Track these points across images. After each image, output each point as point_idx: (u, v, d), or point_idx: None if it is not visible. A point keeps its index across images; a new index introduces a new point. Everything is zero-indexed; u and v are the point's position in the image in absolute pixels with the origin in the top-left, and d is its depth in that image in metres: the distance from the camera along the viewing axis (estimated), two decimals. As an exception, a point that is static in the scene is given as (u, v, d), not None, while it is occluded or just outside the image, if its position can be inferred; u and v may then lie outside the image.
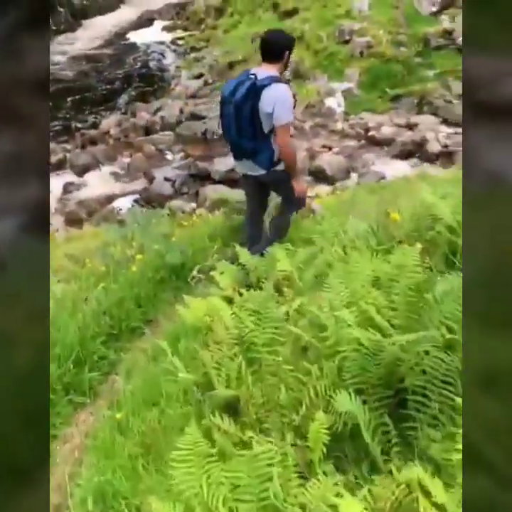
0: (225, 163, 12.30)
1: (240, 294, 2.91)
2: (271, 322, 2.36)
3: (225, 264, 3.67)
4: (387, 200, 3.69)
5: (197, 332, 2.92)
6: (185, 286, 4.49)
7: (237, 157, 3.87)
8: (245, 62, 17.16)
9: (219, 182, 11.86)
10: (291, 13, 18.03)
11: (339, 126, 13.88)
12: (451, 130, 13.77)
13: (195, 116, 14.53)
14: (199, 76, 17.23)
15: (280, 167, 3.76)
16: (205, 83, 16.79)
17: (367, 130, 13.72)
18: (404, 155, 12.84)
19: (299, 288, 2.92)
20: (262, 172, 3.78)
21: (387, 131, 13.59)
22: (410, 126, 13.89)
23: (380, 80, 15.17)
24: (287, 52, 3.68)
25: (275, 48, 3.63)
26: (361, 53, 15.66)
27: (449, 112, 14.18)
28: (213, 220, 6.67)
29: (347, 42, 16.05)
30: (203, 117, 14.40)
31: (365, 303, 2.12)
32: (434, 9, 16.22)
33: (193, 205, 11.45)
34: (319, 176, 11.95)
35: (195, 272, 4.45)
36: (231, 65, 17.31)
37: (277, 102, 3.47)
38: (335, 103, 14.56)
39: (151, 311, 4.22)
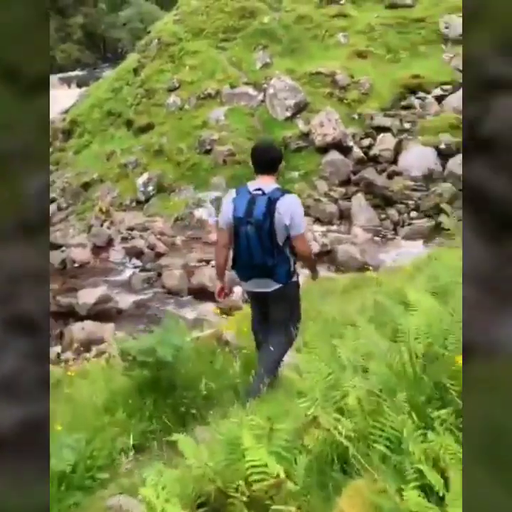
0: (91, 294, 10.70)
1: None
2: None
3: (157, 469, 1.98)
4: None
5: None
6: (86, 499, 2.87)
7: (250, 277, 3.81)
8: (102, 181, 16.06)
9: (86, 317, 10.17)
10: (145, 128, 17.43)
11: (213, 237, 12.95)
12: (324, 228, 13.53)
13: (50, 246, 12.87)
14: (51, 201, 15.73)
15: (294, 279, 3.84)
16: (59, 208, 15.31)
17: (243, 238, 12.93)
18: (287, 260, 12.11)
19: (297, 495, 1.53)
20: (277, 286, 3.75)
21: (264, 236, 12.89)
22: (286, 229, 13.35)
23: (248, 186, 14.69)
24: (280, 163, 3.94)
25: (272, 161, 3.82)
26: (224, 161, 15.21)
27: (320, 211, 13.97)
28: (95, 372, 5.08)
29: (208, 151, 15.59)
30: (61, 246, 12.79)
31: None
32: (288, 114, 16.42)
33: (57, 348, 9.63)
34: (202, 294, 10.72)
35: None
36: (86, 186, 16.07)
37: (294, 212, 3.63)
38: (205, 213, 13.72)
39: None
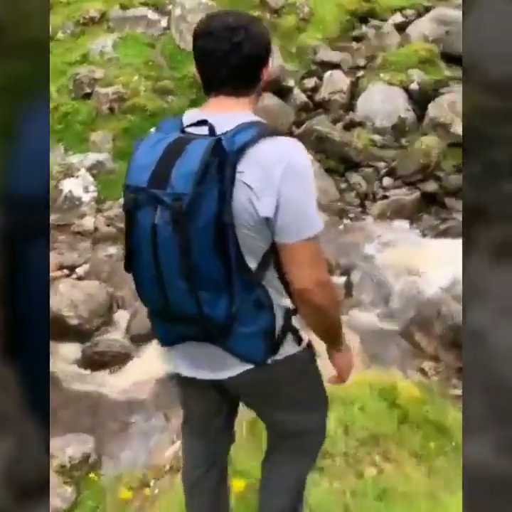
0: None
1: None
2: None
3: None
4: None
5: None
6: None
7: (177, 339, 1.60)
8: None
9: None
10: (0, 64, 12.39)
11: (89, 223, 8.38)
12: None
13: None
14: None
15: (289, 351, 1.58)
16: None
17: (137, 223, 8.41)
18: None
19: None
20: (247, 367, 1.55)
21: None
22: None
23: (146, 145, 10.10)
24: (266, 66, 1.60)
25: (240, 61, 1.55)
26: (111, 109, 10.51)
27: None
28: None
29: (88, 95, 10.81)
30: None
31: None
32: (202, 44, 11.85)
33: None
34: (60, 331, 6.18)
35: None
36: None
37: (287, 184, 1.44)
38: (78, 187, 9.07)
39: None
